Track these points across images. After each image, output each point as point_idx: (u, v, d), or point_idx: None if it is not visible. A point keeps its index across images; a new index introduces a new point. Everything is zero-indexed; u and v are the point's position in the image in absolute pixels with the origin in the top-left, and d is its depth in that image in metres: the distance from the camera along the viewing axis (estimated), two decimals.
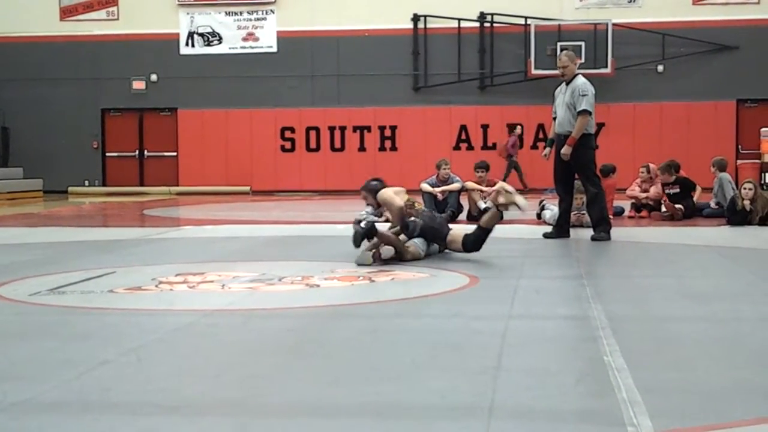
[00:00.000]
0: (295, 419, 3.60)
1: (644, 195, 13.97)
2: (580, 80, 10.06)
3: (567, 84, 10.10)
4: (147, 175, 25.46)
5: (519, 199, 8.40)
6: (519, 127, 22.94)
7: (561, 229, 10.36)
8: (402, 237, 8.44)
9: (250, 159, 24.71)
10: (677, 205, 13.21)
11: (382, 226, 8.85)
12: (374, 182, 9.10)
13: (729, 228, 12.02)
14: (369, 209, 13.13)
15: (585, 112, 9.85)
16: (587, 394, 3.90)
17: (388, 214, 9.29)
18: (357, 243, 8.23)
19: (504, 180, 21.22)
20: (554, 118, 10.32)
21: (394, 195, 8.68)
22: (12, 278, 7.47)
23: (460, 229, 8.83)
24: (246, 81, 24.57)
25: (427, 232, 8.50)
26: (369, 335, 5.23)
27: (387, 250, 8.22)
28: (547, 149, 10.47)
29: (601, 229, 10.01)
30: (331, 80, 24.61)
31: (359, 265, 8.04)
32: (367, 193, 9.09)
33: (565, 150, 9.89)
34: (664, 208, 13.45)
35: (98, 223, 14.80)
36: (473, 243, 8.47)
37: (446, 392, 3.90)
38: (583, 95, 9.88)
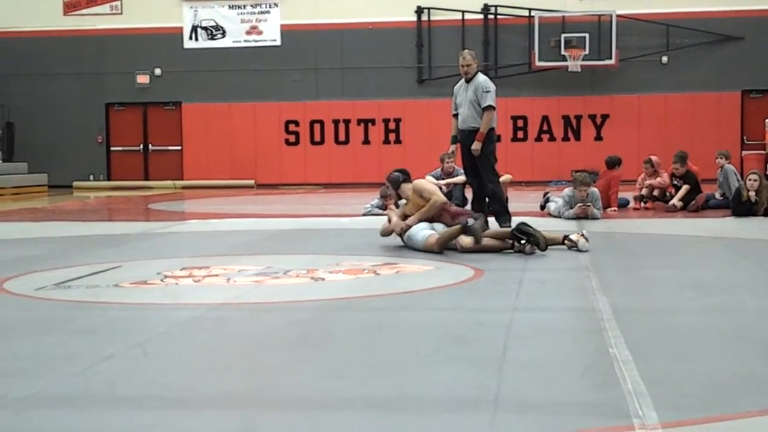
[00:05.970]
0: (300, 412, 3.61)
1: (658, 181, 14.00)
2: (481, 77, 10.30)
3: (468, 82, 10.29)
4: (151, 169, 25.46)
5: (582, 243, 8.60)
6: None
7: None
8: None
9: (254, 153, 24.69)
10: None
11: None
12: (396, 173, 9.30)
13: (734, 219, 12.01)
14: (375, 201, 13.13)
15: (490, 108, 10.13)
16: (592, 386, 3.91)
17: (392, 212, 9.27)
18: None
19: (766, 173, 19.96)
20: (454, 115, 10.52)
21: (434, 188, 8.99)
22: (18, 273, 7.49)
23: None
24: (250, 75, 24.55)
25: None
26: (374, 328, 5.23)
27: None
28: (453, 146, 10.66)
29: (504, 219, 10.11)
30: (335, 73, 24.57)
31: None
32: (391, 184, 9.28)
33: (476, 146, 10.15)
34: (672, 199, 13.43)
35: (103, 218, 14.81)
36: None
37: (451, 385, 3.90)
38: (487, 91, 10.13)
